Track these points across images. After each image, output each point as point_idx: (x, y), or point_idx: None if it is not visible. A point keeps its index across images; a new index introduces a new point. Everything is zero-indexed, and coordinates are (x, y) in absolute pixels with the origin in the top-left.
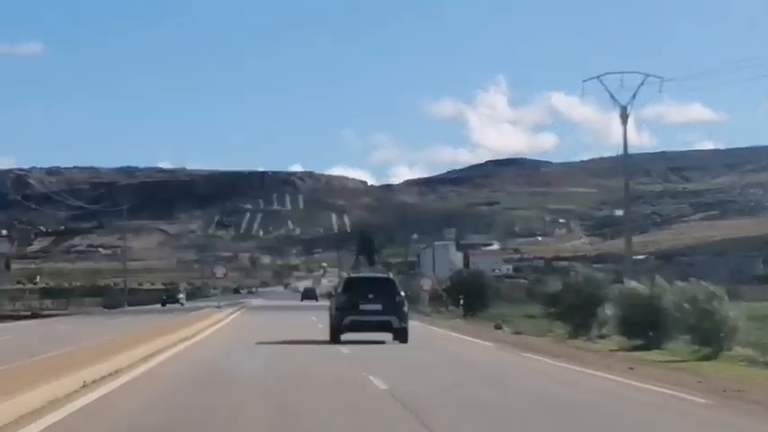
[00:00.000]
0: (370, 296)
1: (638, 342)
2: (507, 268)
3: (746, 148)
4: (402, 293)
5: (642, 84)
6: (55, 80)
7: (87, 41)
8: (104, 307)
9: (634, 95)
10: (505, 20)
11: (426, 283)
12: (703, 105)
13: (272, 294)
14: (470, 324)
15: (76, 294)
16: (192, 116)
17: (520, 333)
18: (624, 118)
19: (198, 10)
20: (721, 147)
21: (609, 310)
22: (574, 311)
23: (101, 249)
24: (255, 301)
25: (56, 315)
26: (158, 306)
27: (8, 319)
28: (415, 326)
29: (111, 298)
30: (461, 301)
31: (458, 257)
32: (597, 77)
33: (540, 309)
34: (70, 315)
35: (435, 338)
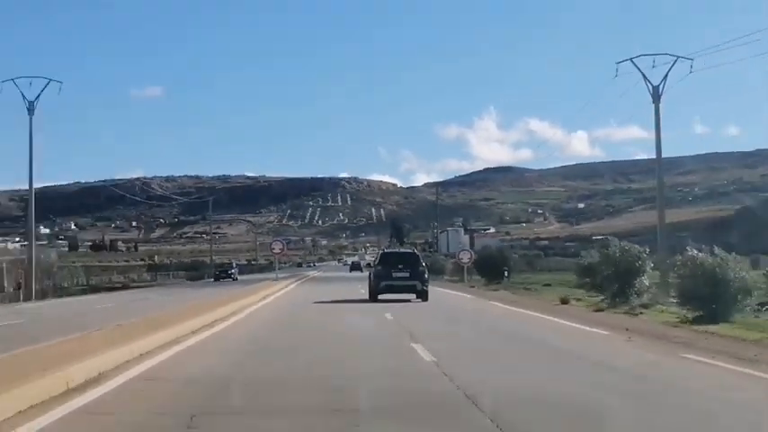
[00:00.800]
0: (400, 266)
1: (698, 314)
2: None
3: (672, 157)
4: (424, 264)
5: (673, 64)
6: (170, 115)
7: (194, 84)
8: (188, 279)
9: (666, 76)
10: (495, 67)
11: (465, 256)
12: (639, 128)
13: (327, 267)
14: (521, 296)
15: (174, 269)
16: (271, 136)
17: (601, 310)
18: (656, 98)
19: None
20: (653, 157)
21: (646, 281)
22: (611, 282)
23: (204, 236)
24: (313, 273)
25: (140, 287)
26: (228, 279)
27: (102, 290)
28: (468, 300)
29: (198, 271)
30: (506, 273)
31: (465, 239)
32: (630, 59)
33: (545, 277)
34: (150, 287)
35: (508, 318)
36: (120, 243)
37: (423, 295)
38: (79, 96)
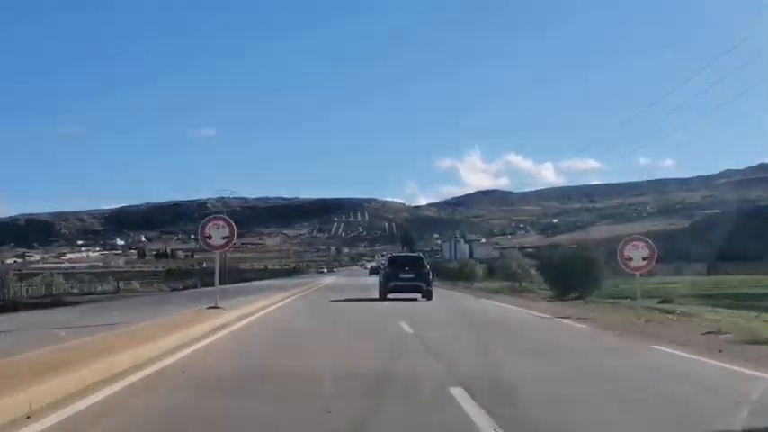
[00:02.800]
0: (407, 268)
1: None
2: (497, 254)
3: (623, 183)
4: (428, 266)
5: None
6: (222, 151)
7: (243, 124)
8: (171, 289)
9: None
10: (478, 117)
11: (642, 253)
12: (594, 161)
13: (348, 272)
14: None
15: (195, 275)
16: (303, 165)
17: None
18: None
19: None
20: (609, 182)
21: None
22: None
23: (249, 245)
24: (328, 280)
25: (99, 300)
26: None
27: (58, 306)
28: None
29: (197, 278)
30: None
31: (466, 248)
32: None
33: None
34: (100, 301)
35: None
36: (179, 252)
37: (427, 294)
38: (150, 137)
